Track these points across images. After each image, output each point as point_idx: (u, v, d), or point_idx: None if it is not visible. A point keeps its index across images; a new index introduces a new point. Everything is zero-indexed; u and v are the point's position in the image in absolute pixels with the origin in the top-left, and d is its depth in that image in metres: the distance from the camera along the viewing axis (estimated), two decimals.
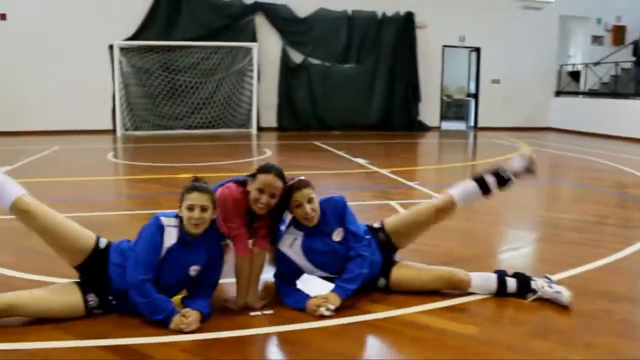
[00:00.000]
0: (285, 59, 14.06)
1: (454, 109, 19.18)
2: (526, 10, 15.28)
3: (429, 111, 15.23)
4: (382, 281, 3.20)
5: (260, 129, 13.78)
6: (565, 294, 3.01)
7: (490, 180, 3.40)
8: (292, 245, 3.07)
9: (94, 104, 12.81)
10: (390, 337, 2.72)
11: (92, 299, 2.83)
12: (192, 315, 2.72)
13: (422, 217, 3.35)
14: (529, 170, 3.47)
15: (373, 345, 2.69)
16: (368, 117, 14.69)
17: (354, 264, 3.03)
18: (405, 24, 14.58)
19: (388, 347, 2.65)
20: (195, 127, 13.33)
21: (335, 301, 2.90)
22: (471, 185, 3.41)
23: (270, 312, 2.95)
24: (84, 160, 9.33)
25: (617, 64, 14.44)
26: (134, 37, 12.86)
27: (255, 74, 13.38)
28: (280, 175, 2.96)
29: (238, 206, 2.98)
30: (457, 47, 15.29)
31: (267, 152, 10.30)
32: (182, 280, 2.88)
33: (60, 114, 12.67)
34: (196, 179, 2.92)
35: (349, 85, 14.41)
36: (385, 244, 3.28)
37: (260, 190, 2.92)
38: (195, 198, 2.80)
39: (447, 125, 16.12)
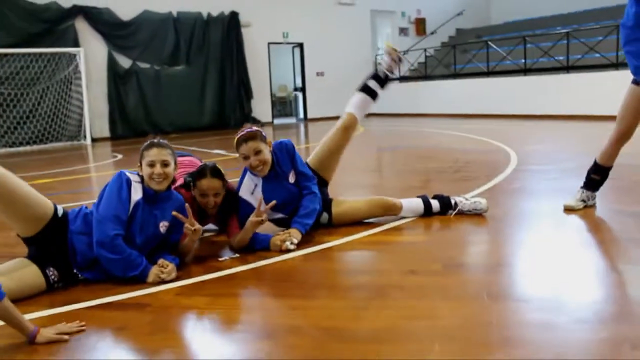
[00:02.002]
0: (112, 64, 13.48)
1: (278, 107, 19.84)
2: (341, 6, 16.42)
3: (261, 107, 15.65)
4: (324, 216, 3.45)
5: (92, 139, 13.06)
6: (482, 201, 3.55)
7: (372, 84, 3.78)
8: (253, 192, 3.19)
9: None
10: (359, 253, 3.02)
11: (52, 272, 2.66)
12: (169, 265, 2.73)
13: (335, 142, 3.62)
14: (396, 60, 3.82)
15: (351, 261, 2.95)
16: (202, 118, 14.66)
17: (306, 201, 3.25)
18: (231, 24, 14.84)
19: (364, 259, 2.93)
20: (20, 144, 12.22)
21: (297, 235, 3.10)
22: (360, 96, 3.76)
23: (237, 255, 3.06)
24: None
25: (425, 50, 16.16)
26: None
27: (83, 82, 12.65)
28: (215, 173, 3.05)
29: (191, 210, 2.94)
30: (282, 43, 15.92)
31: (119, 156, 9.88)
32: (154, 238, 2.84)
33: None
34: (154, 137, 2.92)
35: (181, 87, 14.26)
36: (318, 181, 3.52)
37: (204, 195, 3.04)
38: (155, 154, 2.79)
39: (279, 120, 16.69)
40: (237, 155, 3.18)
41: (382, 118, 15.15)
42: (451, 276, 2.53)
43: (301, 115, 17.02)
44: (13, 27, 12.17)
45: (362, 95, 3.77)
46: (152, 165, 2.78)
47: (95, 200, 2.80)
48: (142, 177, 2.82)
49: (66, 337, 2.06)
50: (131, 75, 13.75)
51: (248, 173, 3.23)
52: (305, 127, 14.85)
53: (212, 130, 14.35)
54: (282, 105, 19.92)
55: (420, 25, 17.74)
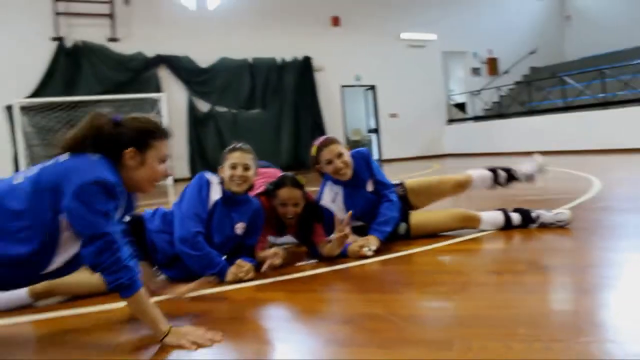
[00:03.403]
0: (192, 109, 14.12)
1: None
2: (412, 48, 16.59)
3: None
4: (403, 226, 3.41)
5: (174, 180, 13.59)
6: (566, 212, 3.41)
7: (502, 174, 3.75)
8: (334, 200, 3.25)
9: None
10: (439, 258, 2.97)
11: None
12: (247, 265, 2.77)
13: (441, 185, 3.63)
14: (533, 179, 3.77)
15: (431, 264, 2.90)
16: (278, 160, 14.94)
17: (385, 208, 3.25)
18: (304, 68, 15.27)
19: (444, 262, 2.88)
20: None
21: (375, 242, 3.09)
22: (487, 174, 3.74)
23: (315, 260, 3.08)
24: None
25: (499, 88, 16.00)
26: (33, 97, 12.40)
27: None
28: (295, 183, 3.09)
29: (270, 220, 3.12)
30: (355, 86, 16.19)
31: None
32: (230, 239, 2.92)
33: None
34: (238, 142, 3.04)
35: (257, 130, 14.64)
36: (402, 198, 3.52)
37: (284, 205, 3.08)
38: (238, 157, 2.92)
39: None
40: (313, 189, 3.24)
41: (456, 158, 14.97)
42: (536, 276, 2.44)
43: (376, 156, 17.08)
44: (104, 76, 13.08)
45: (489, 175, 3.74)
46: (234, 167, 2.89)
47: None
48: (222, 179, 2.93)
49: None
50: (210, 119, 14.31)
51: (328, 183, 3.29)
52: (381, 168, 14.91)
53: (288, 171, 14.58)
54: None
55: (492, 65, 17.61)
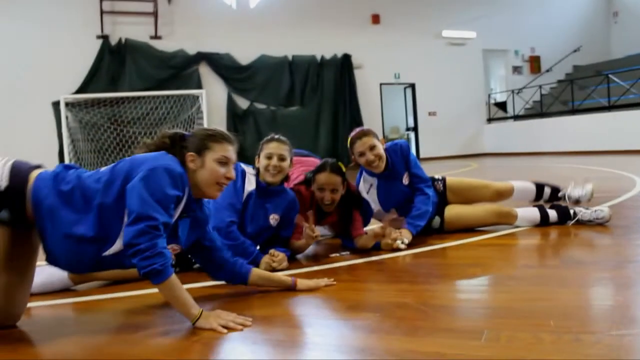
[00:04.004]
0: (231, 105, 14.28)
1: None
2: (452, 46, 16.41)
3: None
4: (437, 220, 3.40)
5: None
6: (604, 209, 3.33)
7: (547, 191, 3.66)
8: (369, 192, 3.26)
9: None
10: (471, 252, 2.94)
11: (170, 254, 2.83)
12: (280, 255, 2.80)
13: (482, 191, 3.58)
14: (579, 202, 3.60)
15: (463, 257, 2.88)
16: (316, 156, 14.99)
17: (419, 202, 3.24)
18: (343, 65, 15.26)
19: (476, 256, 2.85)
20: None
21: (408, 235, 3.09)
22: (530, 187, 3.67)
23: (347, 253, 3.10)
24: None
25: (540, 87, 15.68)
26: (78, 93, 12.75)
27: (205, 122, 13.47)
28: (335, 169, 3.07)
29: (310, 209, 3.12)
30: (393, 84, 16.11)
31: None
32: (264, 230, 2.96)
33: None
34: (275, 134, 3.08)
35: (296, 127, 14.66)
36: (440, 194, 3.50)
37: (321, 189, 3.06)
38: (274, 147, 2.95)
39: None
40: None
41: (496, 157, 14.74)
42: (571, 270, 2.40)
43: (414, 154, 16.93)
44: (146, 73, 13.34)
45: (532, 189, 3.67)
46: (269, 157, 2.93)
47: None
48: (257, 170, 2.97)
49: None
50: (249, 116, 14.44)
51: (363, 174, 3.31)
52: None
53: None
54: None
55: (534, 63, 17.26)
